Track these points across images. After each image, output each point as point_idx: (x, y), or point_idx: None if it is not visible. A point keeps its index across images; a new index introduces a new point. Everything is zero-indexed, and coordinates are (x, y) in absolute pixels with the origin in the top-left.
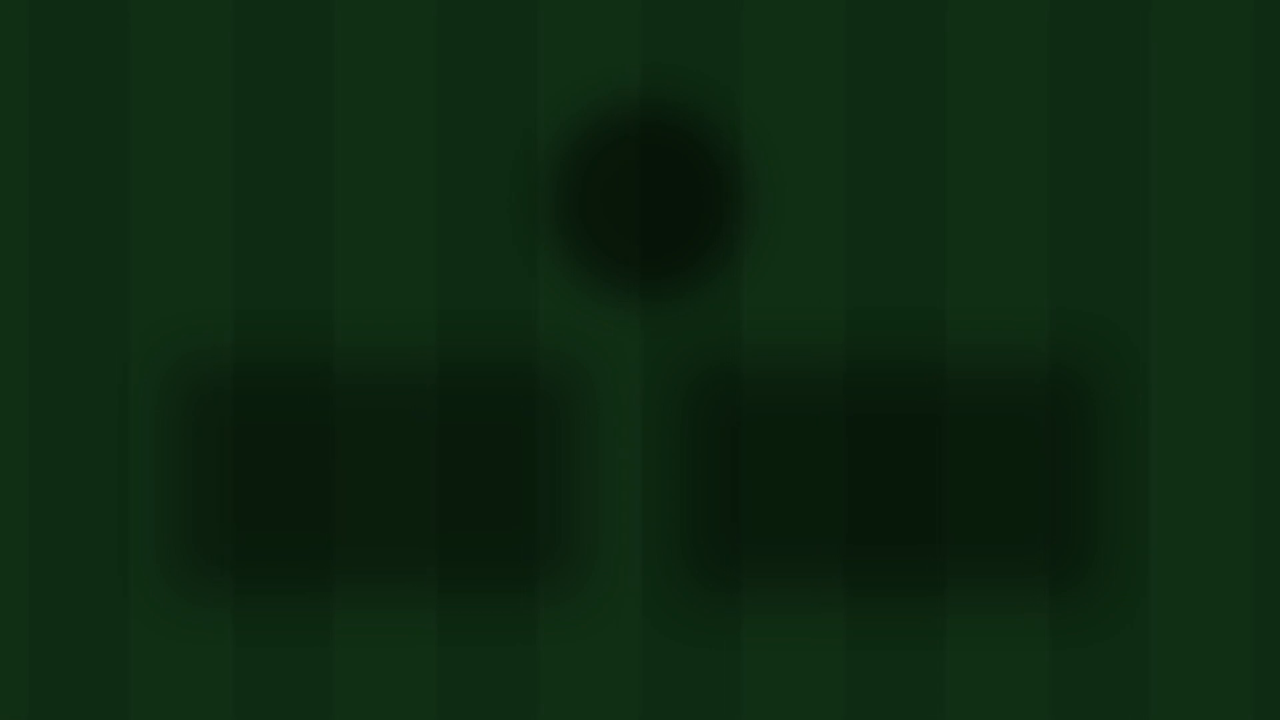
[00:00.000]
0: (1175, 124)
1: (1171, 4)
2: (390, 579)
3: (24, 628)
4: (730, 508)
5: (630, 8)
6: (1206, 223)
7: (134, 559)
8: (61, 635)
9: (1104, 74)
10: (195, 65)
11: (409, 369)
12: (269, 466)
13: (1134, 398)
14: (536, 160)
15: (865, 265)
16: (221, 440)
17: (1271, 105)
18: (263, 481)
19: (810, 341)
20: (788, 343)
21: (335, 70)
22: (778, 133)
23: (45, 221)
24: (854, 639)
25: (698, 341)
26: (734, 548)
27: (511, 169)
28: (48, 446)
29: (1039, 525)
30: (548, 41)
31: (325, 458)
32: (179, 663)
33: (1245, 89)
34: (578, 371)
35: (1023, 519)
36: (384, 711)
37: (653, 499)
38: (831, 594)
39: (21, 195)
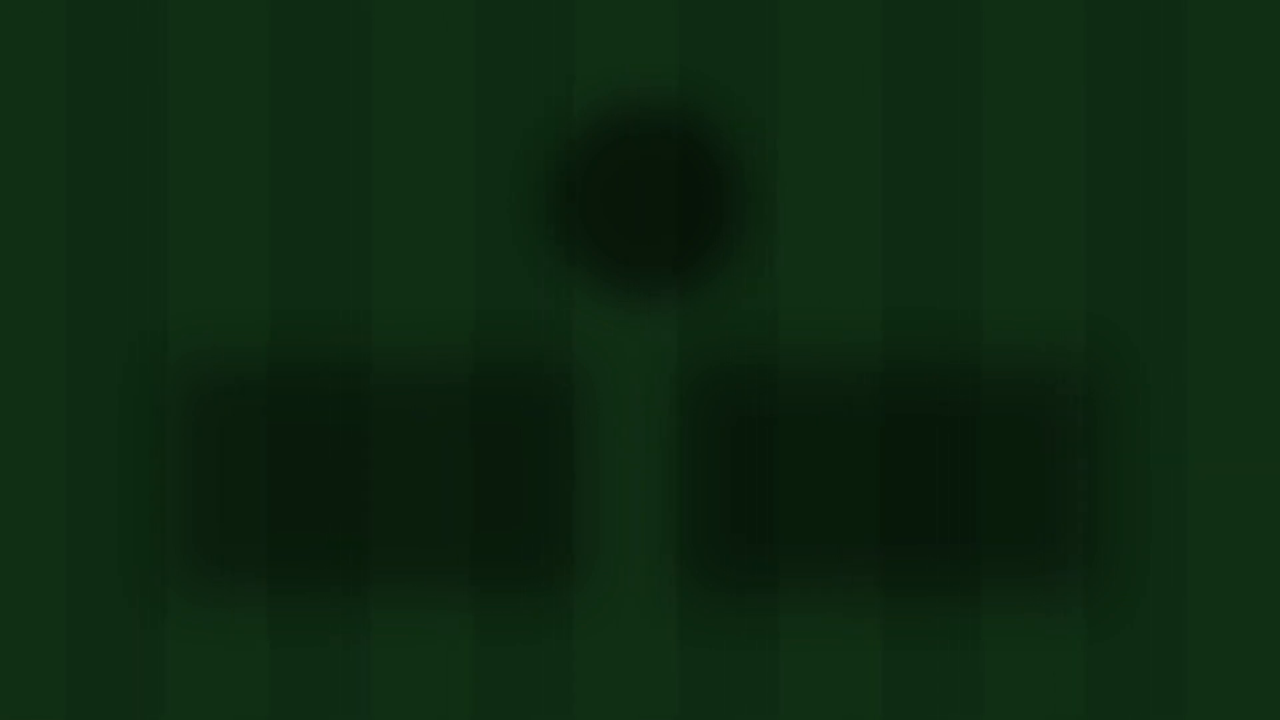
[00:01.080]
0: (1211, 127)
1: (1207, 7)
2: (406, 579)
3: (60, 631)
4: (733, 508)
5: (666, 14)
6: (1233, 226)
7: (169, 559)
8: (99, 637)
9: (1140, 76)
10: (231, 64)
11: (415, 370)
12: (303, 466)
13: (1165, 401)
14: (540, 164)
15: (860, 267)
16: (256, 440)
17: None
18: (297, 481)
19: (817, 340)
20: (794, 341)
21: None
22: (812, 134)
23: (81, 220)
24: (849, 640)
25: (704, 338)
26: (735, 548)
27: (514, 172)
28: (81, 446)
29: (1070, 524)
30: (561, 45)
31: (338, 456)
32: (214, 665)
33: None
34: (580, 371)
35: (1053, 518)
36: (415, 711)
37: (655, 499)
38: (831, 594)
39: (59, 193)
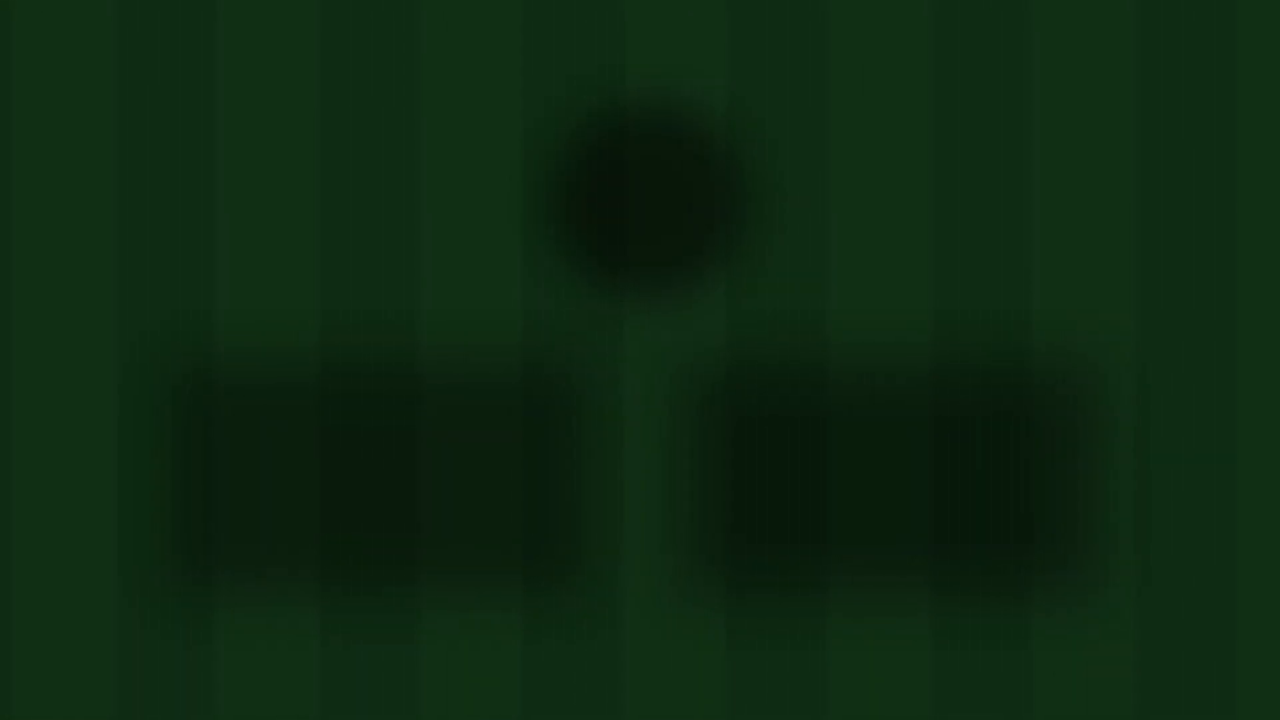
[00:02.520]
0: (1261, 131)
1: (1258, 11)
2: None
3: (111, 631)
4: (734, 508)
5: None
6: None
7: (218, 559)
8: (146, 637)
9: (1190, 78)
10: (279, 67)
11: (400, 370)
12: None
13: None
14: (536, 161)
15: (857, 266)
16: (305, 441)
17: None
18: (346, 482)
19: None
20: (792, 341)
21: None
22: (853, 134)
23: (131, 220)
24: (849, 640)
25: (704, 338)
26: (736, 549)
27: (511, 170)
28: (131, 444)
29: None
30: (557, 42)
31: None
32: (263, 665)
33: None
34: (568, 371)
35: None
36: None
37: (655, 499)
38: (831, 595)
39: (109, 192)
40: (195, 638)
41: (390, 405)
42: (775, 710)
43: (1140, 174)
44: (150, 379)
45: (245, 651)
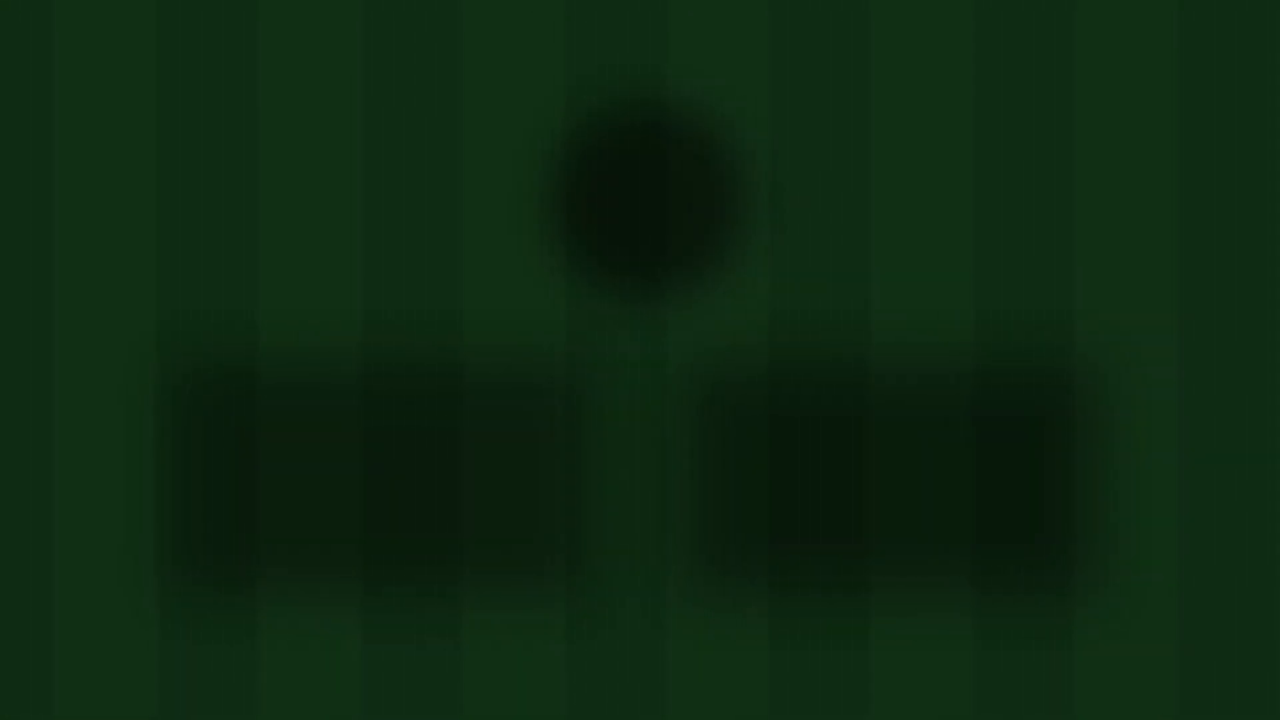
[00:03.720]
0: None
1: None
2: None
3: (153, 629)
4: (734, 508)
5: (618, 7)
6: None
7: (261, 559)
8: (189, 636)
9: (1231, 81)
10: (319, 67)
11: (409, 370)
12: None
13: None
14: (543, 160)
15: (863, 267)
16: (348, 440)
17: None
18: (391, 482)
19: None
20: (802, 342)
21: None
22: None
23: (172, 218)
24: (849, 640)
25: (698, 340)
26: (736, 549)
27: (518, 170)
28: (171, 442)
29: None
30: (568, 39)
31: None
32: (306, 665)
33: None
34: (578, 372)
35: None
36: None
37: (655, 499)
38: (830, 596)
39: (150, 192)
40: (237, 638)
41: (408, 406)
42: (778, 712)
43: (1183, 176)
44: (193, 378)
45: (287, 652)
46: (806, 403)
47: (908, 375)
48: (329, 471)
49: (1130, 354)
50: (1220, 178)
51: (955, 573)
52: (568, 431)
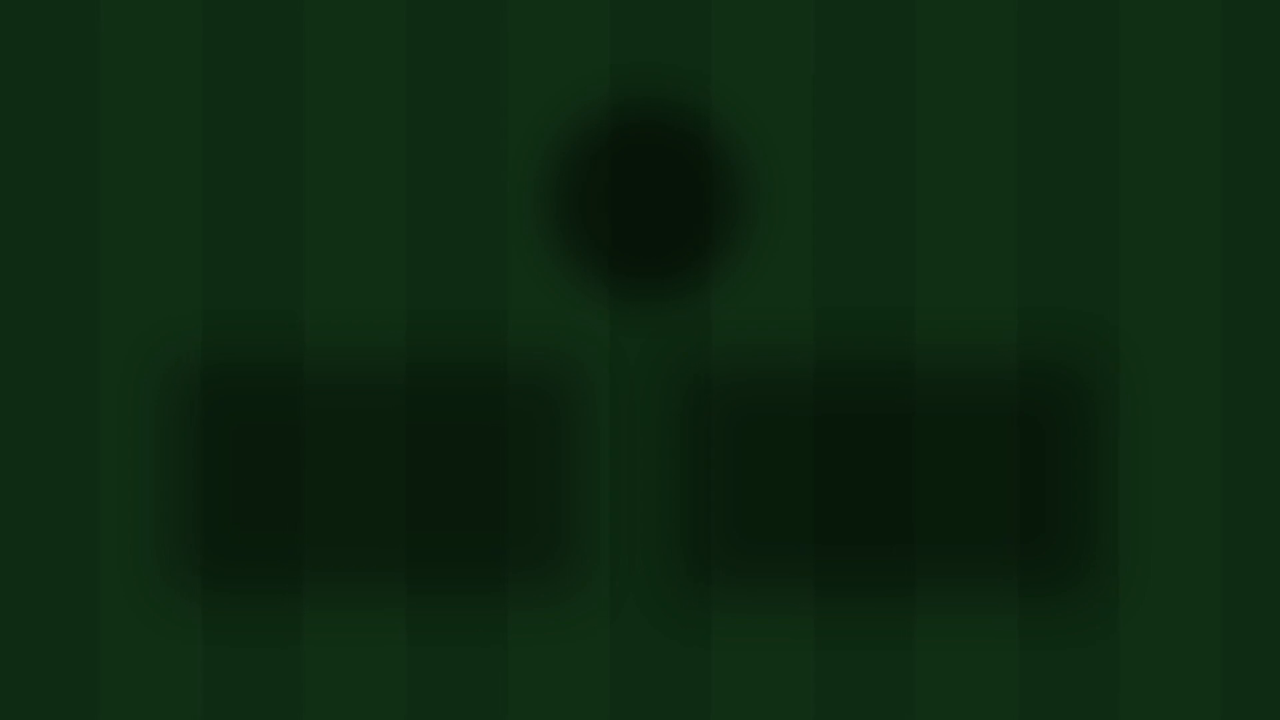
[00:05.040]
0: None
1: None
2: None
3: (195, 630)
4: (724, 507)
5: (624, 7)
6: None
7: (304, 560)
8: (232, 635)
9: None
10: (366, 74)
11: (390, 370)
12: (438, 466)
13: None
14: (530, 160)
15: (858, 268)
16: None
17: None
18: (433, 482)
19: (795, 341)
20: (783, 343)
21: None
22: (942, 134)
23: (218, 218)
24: (825, 639)
25: (688, 342)
26: (727, 547)
27: (506, 169)
28: (215, 443)
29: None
30: (545, 40)
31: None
32: (350, 666)
33: None
34: (566, 373)
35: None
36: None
37: (655, 499)
38: (812, 594)
39: (196, 191)
40: (282, 640)
41: (376, 405)
42: (781, 713)
43: (1226, 174)
44: (237, 377)
45: (332, 653)
46: (851, 400)
47: (950, 373)
48: (373, 470)
49: (1174, 353)
50: (1268, 175)
51: (1000, 573)
52: (609, 430)
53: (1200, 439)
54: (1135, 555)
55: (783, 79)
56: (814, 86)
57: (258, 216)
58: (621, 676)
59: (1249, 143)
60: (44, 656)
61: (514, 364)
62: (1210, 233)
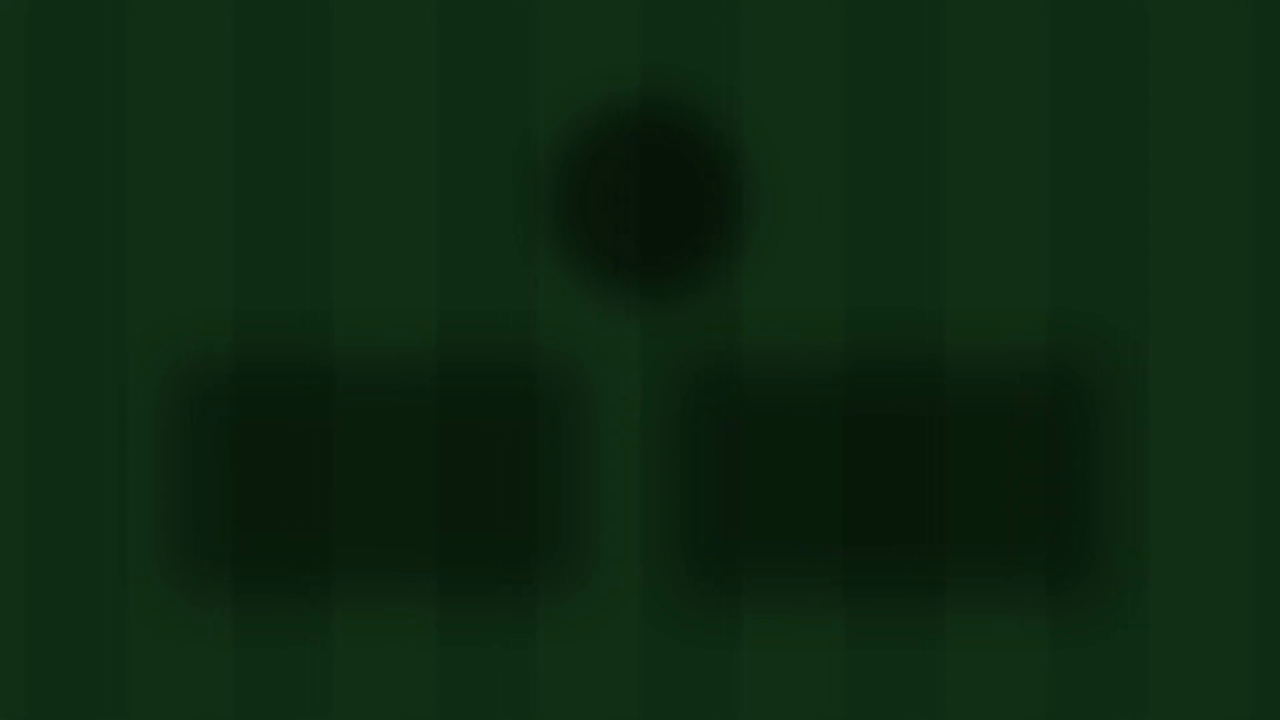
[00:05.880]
0: None
1: None
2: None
3: (228, 631)
4: (732, 508)
5: (630, 7)
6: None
7: (339, 556)
8: (263, 636)
9: None
10: (396, 76)
11: (408, 369)
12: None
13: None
14: (537, 160)
15: (863, 267)
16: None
17: None
18: (465, 483)
19: (811, 342)
20: (789, 343)
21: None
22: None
23: (247, 219)
24: (854, 640)
25: (700, 341)
26: (734, 548)
27: (513, 169)
28: (250, 445)
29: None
30: (549, 41)
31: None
32: (381, 665)
33: None
34: (578, 372)
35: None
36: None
37: (653, 499)
38: (830, 595)
39: (225, 191)
40: (313, 640)
41: (375, 405)
42: (811, 714)
43: (1257, 176)
44: (268, 377)
45: (362, 653)
46: (884, 401)
47: (980, 375)
48: (404, 470)
49: (1204, 356)
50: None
51: (1027, 572)
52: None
53: (1229, 438)
54: (1165, 554)
55: (815, 79)
56: (845, 88)
57: (288, 216)
58: (651, 678)
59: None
60: (73, 658)
61: (542, 365)
62: (1240, 237)
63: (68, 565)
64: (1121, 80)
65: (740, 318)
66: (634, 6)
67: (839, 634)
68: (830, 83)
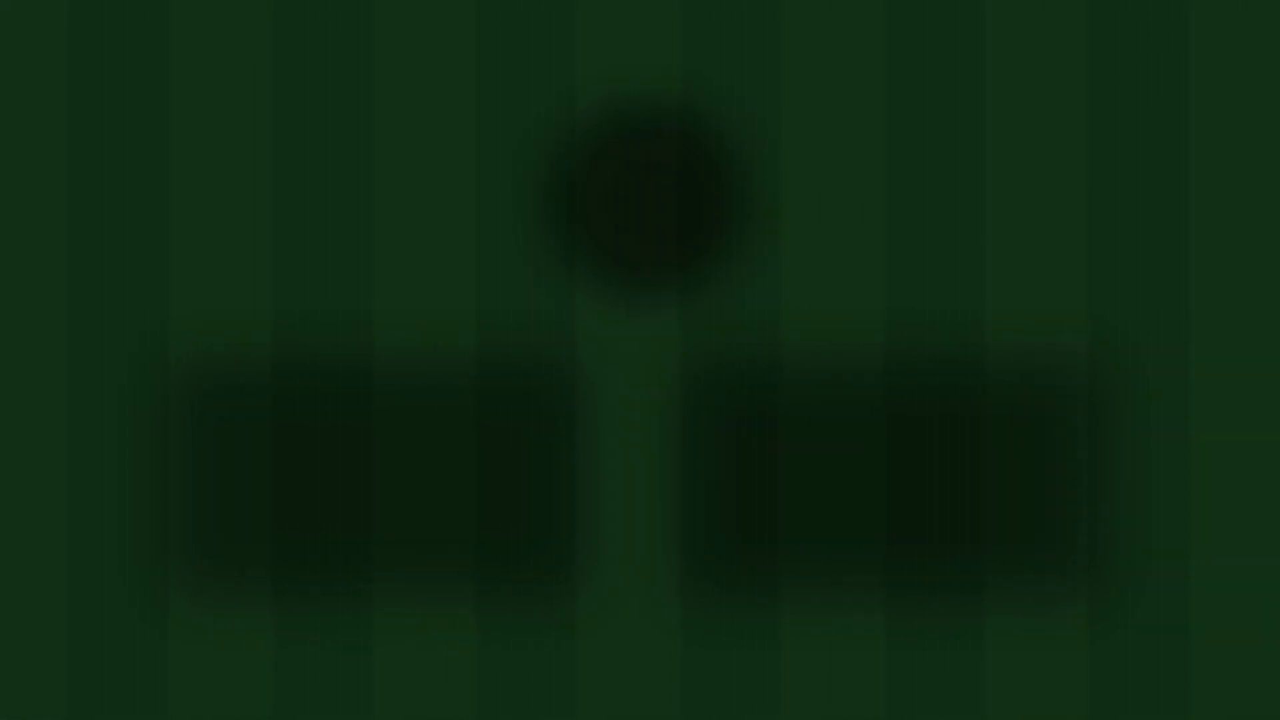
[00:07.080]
0: None
1: None
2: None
3: (268, 631)
4: (732, 507)
5: (655, 12)
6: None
7: (378, 557)
8: (302, 639)
9: None
10: (433, 79)
11: (446, 370)
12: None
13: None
14: (543, 162)
15: (901, 268)
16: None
17: None
18: (507, 486)
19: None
20: (796, 341)
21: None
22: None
23: (286, 219)
24: (877, 637)
25: (705, 338)
26: (736, 549)
27: (518, 170)
28: (290, 450)
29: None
30: (588, 46)
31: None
32: (421, 666)
33: None
34: (581, 371)
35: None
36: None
37: (656, 499)
38: (869, 595)
39: (266, 194)
40: (352, 640)
41: (378, 405)
42: (781, 713)
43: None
44: (302, 377)
45: (401, 653)
46: (923, 401)
47: (1018, 376)
48: (442, 471)
49: (1243, 355)
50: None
51: (1067, 572)
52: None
53: (1268, 437)
54: (1205, 554)
55: (855, 81)
56: (886, 89)
57: (328, 217)
58: (691, 677)
59: None
60: (114, 658)
61: (580, 365)
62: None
63: (107, 565)
64: (1161, 86)
65: (780, 317)
66: (674, 10)
67: (878, 634)
68: (871, 84)
